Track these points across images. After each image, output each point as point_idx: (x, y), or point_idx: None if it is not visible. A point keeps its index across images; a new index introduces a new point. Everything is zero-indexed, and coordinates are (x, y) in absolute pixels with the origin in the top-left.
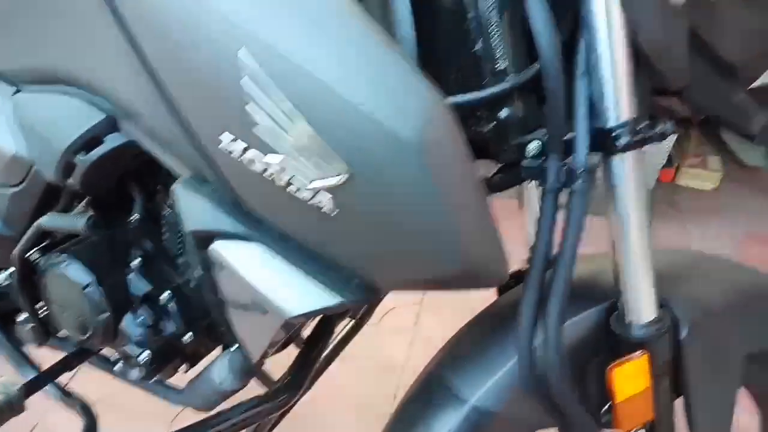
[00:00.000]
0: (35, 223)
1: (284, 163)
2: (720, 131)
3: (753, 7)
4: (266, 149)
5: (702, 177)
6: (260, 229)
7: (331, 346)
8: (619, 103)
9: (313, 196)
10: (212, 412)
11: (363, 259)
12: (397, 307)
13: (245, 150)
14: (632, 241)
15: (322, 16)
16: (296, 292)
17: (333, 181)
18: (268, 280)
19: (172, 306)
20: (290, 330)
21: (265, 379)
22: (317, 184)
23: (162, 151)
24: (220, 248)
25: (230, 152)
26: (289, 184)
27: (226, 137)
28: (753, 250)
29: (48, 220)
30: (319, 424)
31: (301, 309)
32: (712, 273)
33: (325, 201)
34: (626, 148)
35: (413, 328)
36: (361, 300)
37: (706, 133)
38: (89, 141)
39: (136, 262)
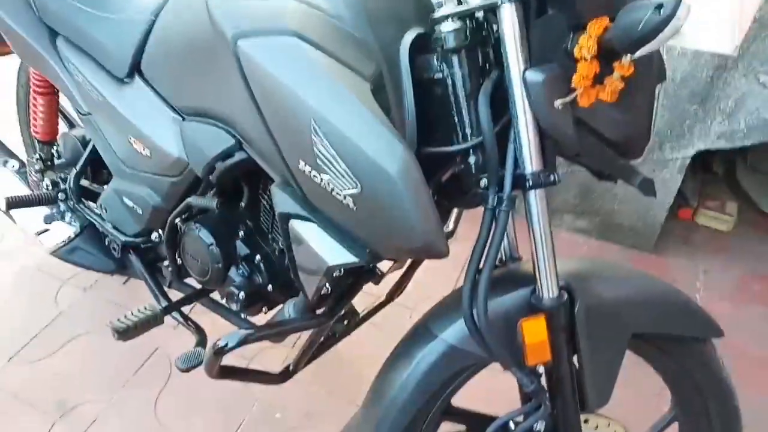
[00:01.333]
0: (186, 200)
1: (329, 179)
2: (740, 181)
3: (617, 107)
4: (322, 171)
5: (719, 219)
6: (317, 216)
7: (368, 310)
8: (530, 160)
9: (344, 198)
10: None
11: (371, 236)
12: None
13: (311, 171)
14: (540, 245)
15: (353, 104)
16: (333, 251)
17: (353, 191)
18: (319, 244)
19: (261, 265)
20: (329, 277)
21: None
22: (345, 192)
23: (266, 165)
24: (295, 225)
25: (303, 171)
26: (332, 190)
27: (301, 162)
28: (754, 286)
29: (194, 199)
30: None
31: (334, 261)
32: (613, 274)
33: (350, 202)
34: (533, 187)
35: None
36: (371, 260)
37: (728, 181)
38: (225, 154)
39: (241, 233)
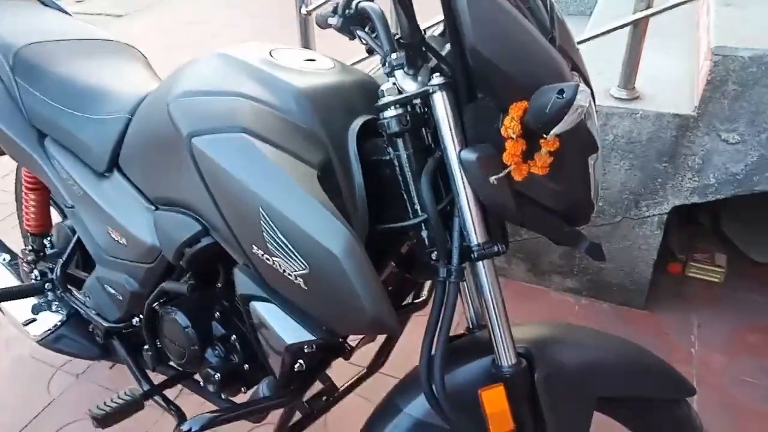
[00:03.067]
0: (160, 286)
1: (280, 262)
2: (726, 232)
3: (553, 179)
4: (273, 255)
5: (709, 271)
6: (275, 297)
7: (348, 383)
8: (474, 233)
9: (295, 279)
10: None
11: (325, 314)
12: None
13: (263, 254)
14: (494, 313)
15: (296, 191)
16: (291, 330)
17: (303, 272)
18: (277, 324)
19: (237, 345)
20: (293, 357)
21: None
22: (296, 272)
23: (229, 249)
24: (256, 306)
25: (257, 254)
26: (284, 271)
27: (254, 247)
28: (750, 338)
29: (168, 285)
30: None
31: (293, 339)
32: (575, 337)
33: (301, 282)
34: (479, 258)
35: None
36: (327, 338)
37: (716, 232)
38: (193, 240)
39: (217, 314)
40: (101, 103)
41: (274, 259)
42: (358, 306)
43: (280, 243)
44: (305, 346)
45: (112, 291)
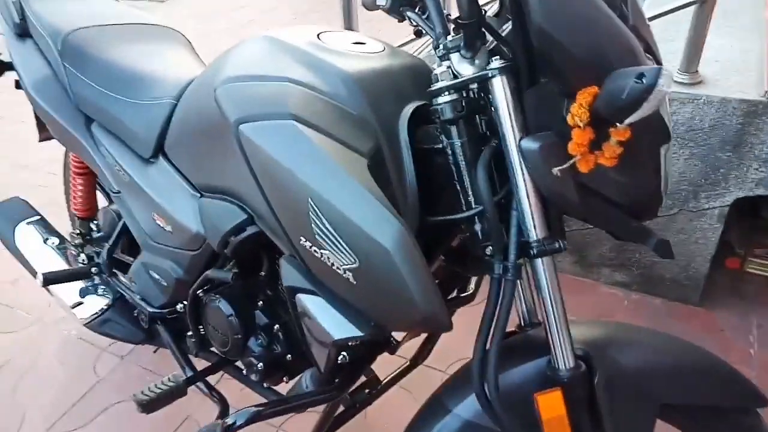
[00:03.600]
0: (204, 273)
1: (328, 254)
2: None
3: (621, 170)
4: (321, 247)
5: None
6: (322, 290)
7: (391, 376)
8: (533, 228)
9: (344, 273)
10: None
11: (373, 310)
12: None
13: (311, 246)
14: (552, 313)
15: (348, 182)
16: (339, 325)
17: (352, 266)
18: (324, 318)
19: (280, 335)
20: (338, 351)
21: None
22: (345, 266)
23: (275, 238)
24: (302, 298)
25: (305, 246)
26: (332, 265)
27: (302, 238)
28: None
29: (212, 272)
30: None
31: (340, 335)
32: (637, 338)
33: (350, 276)
34: (538, 255)
35: None
36: (375, 334)
37: None
38: (238, 229)
39: (260, 303)
40: (147, 88)
41: (323, 251)
42: (410, 302)
43: (329, 235)
44: (352, 341)
45: (157, 277)
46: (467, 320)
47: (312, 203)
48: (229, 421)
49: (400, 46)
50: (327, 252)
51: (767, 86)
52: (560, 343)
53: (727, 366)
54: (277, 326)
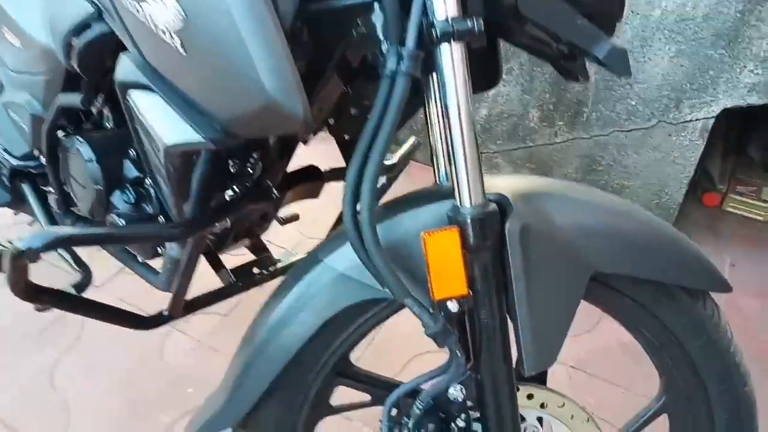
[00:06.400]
0: (54, 100)
1: (150, 11)
2: None
3: None
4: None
5: (753, 207)
6: (158, 84)
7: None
8: (442, 2)
9: (172, 39)
10: None
11: (209, 95)
12: None
13: (133, 4)
14: (457, 127)
15: None
16: (174, 128)
17: (178, 24)
18: (156, 118)
19: (151, 191)
20: (183, 168)
21: None
22: (170, 27)
23: (115, 27)
24: (134, 96)
25: (127, 7)
26: (156, 27)
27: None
28: None
29: (63, 98)
30: None
31: (173, 139)
32: (572, 195)
33: (178, 43)
34: (443, 38)
35: None
36: (219, 140)
37: (766, 166)
38: (82, 26)
39: (132, 152)
40: None
41: (142, 4)
42: (252, 75)
43: None
44: (189, 148)
45: (16, 118)
46: None
47: None
48: (22, 245)
49: None
50: (147, 4)
51: None
52: (466, 170)
53: (682, 239)
54: (149, 181)
